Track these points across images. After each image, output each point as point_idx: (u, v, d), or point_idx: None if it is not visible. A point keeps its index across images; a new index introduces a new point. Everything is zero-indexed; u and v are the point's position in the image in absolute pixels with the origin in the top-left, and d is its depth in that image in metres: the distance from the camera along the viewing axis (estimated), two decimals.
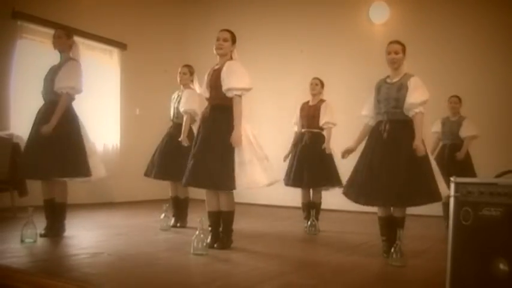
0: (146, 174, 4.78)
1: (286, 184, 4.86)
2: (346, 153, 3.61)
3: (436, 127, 5.40)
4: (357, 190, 3.43)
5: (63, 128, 3.74)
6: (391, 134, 3.35)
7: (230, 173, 3.40)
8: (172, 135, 4.70)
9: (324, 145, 4.70)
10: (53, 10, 6.16)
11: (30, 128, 3.88)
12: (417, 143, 3.25)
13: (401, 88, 3.37)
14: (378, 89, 3.51)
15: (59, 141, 3.70)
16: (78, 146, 3.82)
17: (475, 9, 6.48)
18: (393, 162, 3.29)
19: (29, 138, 3.86)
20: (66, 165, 3.71)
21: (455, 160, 5.11)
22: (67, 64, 3.84)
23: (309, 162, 4.71)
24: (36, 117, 3.88)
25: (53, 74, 3.85)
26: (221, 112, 3.53)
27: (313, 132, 4.81)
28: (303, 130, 4.88)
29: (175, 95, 4.86)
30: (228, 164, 3.42)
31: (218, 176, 3.40)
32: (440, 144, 5.43)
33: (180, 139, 4.52)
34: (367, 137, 3.57)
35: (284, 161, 4.96)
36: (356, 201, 3.46)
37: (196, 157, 3.51)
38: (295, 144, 4.93)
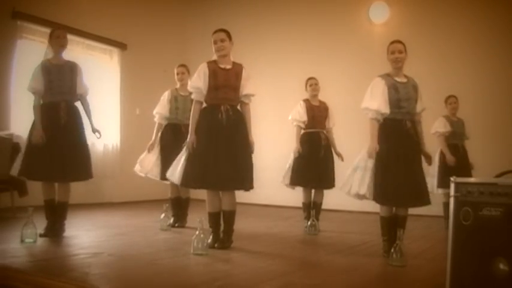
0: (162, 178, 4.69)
1: (299, 184, 4.81)
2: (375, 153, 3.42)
3: (444, 127, 5.20)
4: (395, 192, 3.32)
5: (83, 131, 4.02)
6: (413, 134, 3.46)
7: (252, 173, 3.61)
8: (173, 135, 4.68)
9: (335, 148, 4.85)
10: (53, 10, 6.16)
11: (45, 128, 3.75)
12: (424, 147, 3.53)
13: (416, 89, 3.49)
14: (395, 88, 3.40)
15: (85, 143, 3.98)
16: (88, 146, 4.07)
17: (475, 9, 6.48)
18: (417, 162, 3.45)
19: (55, 142, 3.75)
20: (90, 166, 3.97)
21: (467, 161, 5.17)
22: (79, 67, 4.03)
23: (327, 163, 4.76)
24: (55, 117, 3.79)
25: (72, 75, 3.92)
26: (240, 113, 3.65)
27: (325, 134, 4.85)
28: (313, 130, 4.79)
29: (166, 94, 4.80)
30: (251, 164, 3.62)
31: (251, 175, 3.58)
32: (445, 144, 5.31)
33: (187, 141, 4.39)
34: (385, 135, 3.38)
35: (297, 155, 4.72)
36: (396, 204, 3.42)
37: (236, 159, 3.48)
38: (307, 143, 4.75)
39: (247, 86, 3.64)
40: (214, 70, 3.56)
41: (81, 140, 3.94)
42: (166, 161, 4.59)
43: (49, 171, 3.73)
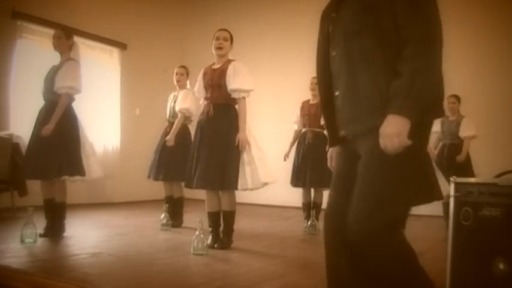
0: (148, 177, 4.79)
1: (295, 185, 4.83)
2: None
3: (436, 127, 5.35)
4: None
5: (63, 128, 3.76)
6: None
7: (236, 172, 3.44)
8: (164, 136, 4.72)
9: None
10: (53, 10, 6.16)
11: (32, 129, 3.90)
12: None
13: None
14: None
15: (58, 141, 3.72)
16: (76, 145, 3.84)
17: (475, 9, 6.47)
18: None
19: (30, 139, 3.88)
20: (64, 164, 3.75)
21: (455, 160, 5.11)
22: (66, 64, 3.86)
23: (312, 162, 4.69)
24: (37, 118, 3.90)
25: (53, 74, 3.87)
26: (225, 111, 3.55)
27: (315, 132, 4.80)
28: (304, 129, 4.86)
29: (171, 96, 4.89)
30: (234, 163, 3.45)
31: (227, 175, 3.42)
32: (440, 144, 5.42)
33: (166, 138, 4.55)
34: None
35: (285, 160, 4.91)
36: None
37: (205, 158, 3.47)
38: (298, 144, 4.88)
39: (232, 81, 3.48)
40: (205, 72, 3.65)
41: (58, 137, 3.70)
42: (161, 160, 4.66)
43: (27, 169, 3.89)
